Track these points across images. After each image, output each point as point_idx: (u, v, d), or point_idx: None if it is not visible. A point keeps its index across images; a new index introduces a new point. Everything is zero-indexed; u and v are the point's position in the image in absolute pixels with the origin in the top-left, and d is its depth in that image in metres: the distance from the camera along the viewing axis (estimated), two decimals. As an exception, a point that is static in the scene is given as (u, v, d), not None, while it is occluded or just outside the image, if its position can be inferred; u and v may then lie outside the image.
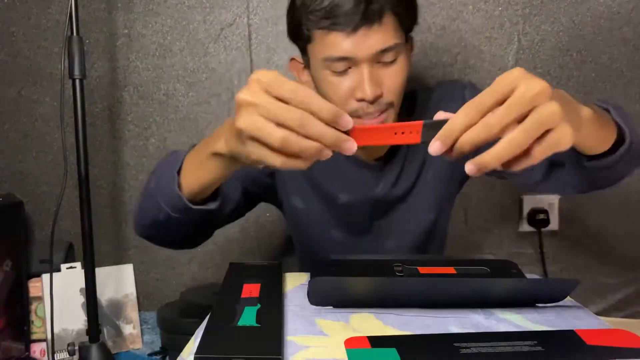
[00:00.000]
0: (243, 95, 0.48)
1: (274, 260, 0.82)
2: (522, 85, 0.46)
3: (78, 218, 1.21)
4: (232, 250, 1.53)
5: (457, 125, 0.48)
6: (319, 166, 0.93)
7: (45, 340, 1.38)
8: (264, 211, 1.49)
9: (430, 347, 0.53)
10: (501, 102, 0.46)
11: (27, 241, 1.44)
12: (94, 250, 1.22)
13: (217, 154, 0.59)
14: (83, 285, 1.23)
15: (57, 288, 1.27)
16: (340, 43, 0.76)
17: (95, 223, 1.23)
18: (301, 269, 1.01)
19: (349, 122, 0.49)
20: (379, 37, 0.76)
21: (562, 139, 0.47)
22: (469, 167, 0.48)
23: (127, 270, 1.50)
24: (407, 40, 0.85)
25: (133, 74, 1.48)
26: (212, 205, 0.68)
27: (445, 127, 0.48)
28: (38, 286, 1.39)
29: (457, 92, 0.93)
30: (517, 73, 0.47)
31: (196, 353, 0.49)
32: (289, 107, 0.47)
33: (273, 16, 1.43)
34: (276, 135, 0.47)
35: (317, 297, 0.64)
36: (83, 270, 1.22)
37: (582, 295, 0.76)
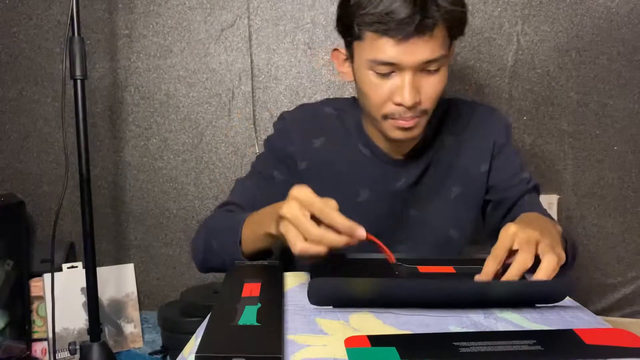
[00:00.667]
0: (284, 211, 0.64)
1: (274, 260, 0.82)
2: (521, 234, 0.65)
3: (79, 218, 1.22)
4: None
5: (491, 270, 0.65)
6: (344, 166, 0.93)
7: (46, 339, 1.38)
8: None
9: (429, 346, 0.53)
10: (510, 249, 0.65)
11: (28, 241, 1.45)
12: (95, 250, 1.23)
13: (269, 234, 0.73)
14: (84, 284, 1.24)
15: (58, 287, 1.27)
16: (389, 49, 0.78)
17: (96, 223, 1.24)
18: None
19: (362, 235, 0.65)
20: (428, 48, 0.78)
21: (558, 257, 0.66)
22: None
23: (128, 270, 1.51)
24: (450, 46, 0.85)
25: (134, 75, 1.48)
26: (267, 260, 0.80)
27: (483, 272, 0.65)
28: (39, 286, 1.39)
29: (497, 126, 0.97)
30: (514, 228, 0.65)
31: (197, 352, 0.49)
32: (313, 226, 0.63)
33: (273, 17, 1.43)
34: (298, 245, 0.63)
35: (317, 297, 0.64)
36: (84, 270, 1.23)
37: (582, 295, 0.76)
